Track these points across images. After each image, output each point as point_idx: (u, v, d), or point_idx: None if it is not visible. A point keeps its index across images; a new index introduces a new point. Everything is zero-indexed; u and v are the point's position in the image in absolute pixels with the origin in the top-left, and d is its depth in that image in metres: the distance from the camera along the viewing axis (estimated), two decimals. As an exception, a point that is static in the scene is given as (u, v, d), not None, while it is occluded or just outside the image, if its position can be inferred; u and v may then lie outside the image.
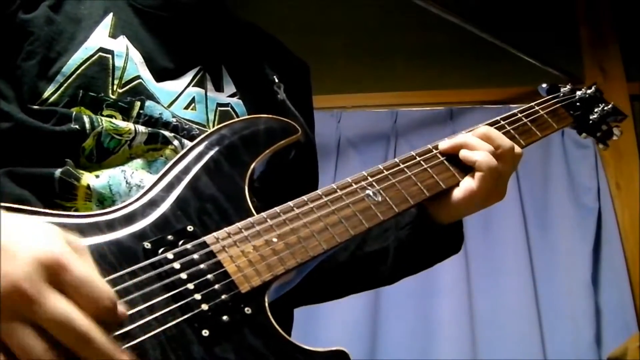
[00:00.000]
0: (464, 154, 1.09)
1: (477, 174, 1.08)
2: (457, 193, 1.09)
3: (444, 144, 1.12)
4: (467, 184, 1.08)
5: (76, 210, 0.92)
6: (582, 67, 3.26)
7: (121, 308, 0.68)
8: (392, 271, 1.19)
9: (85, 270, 0.64)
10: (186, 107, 1.08)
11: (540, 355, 2.78)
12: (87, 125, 0.97)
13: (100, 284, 0.65)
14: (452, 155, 1.11)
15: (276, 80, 1.21)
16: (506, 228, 2.98)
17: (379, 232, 1.18)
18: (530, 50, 3.12)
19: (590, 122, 1.39)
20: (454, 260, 3.14)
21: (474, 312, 2.91)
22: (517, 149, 1.13)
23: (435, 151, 1.11)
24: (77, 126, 0.96)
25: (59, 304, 0.62)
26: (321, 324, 2.84)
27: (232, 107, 1.12)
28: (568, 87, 1.38)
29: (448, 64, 3.33)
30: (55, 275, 0.62)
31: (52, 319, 0.61)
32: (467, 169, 1.10)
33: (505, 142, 1.11)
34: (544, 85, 1.36)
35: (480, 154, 1.08)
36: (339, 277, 1.24)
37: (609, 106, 1.41)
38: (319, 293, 1.29)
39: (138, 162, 0.99)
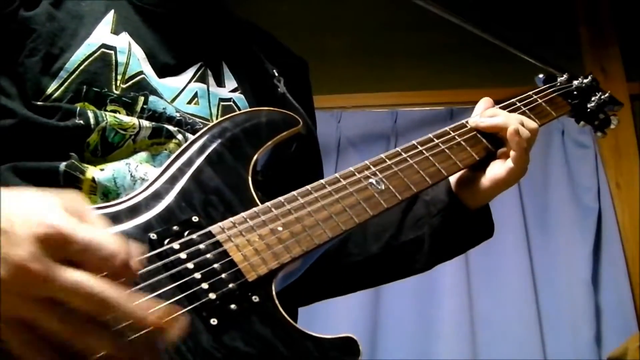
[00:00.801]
0: (501, 152, 1.14)
1: (507, 166, 1.12)
2: (485, 181, 1.13)
3: (484, 122, 1.16)
4: (494, 173, 1.13)
5: None
6: (582, 67, 3.26)
7: (135, 260, 0.66)
8: (428, 258, 1.21)
9: (89, 232, 0.64)
10: (189, 102, 1.08)
11: (540, 355, 2.78)
12: (92, 121, 0.97)
13: (107, 242, 0.64)
14: (452, 144, 1.12)
15: (276, 74, 1.22)
16: (506, 228, 2.97)
17: (412, 221, 1.20)
18: (530, 50, 3.11)
19: (588, 110, 1.40)
20: (454, 260, 3.12)
21: (474, 312, 2.91)
22: (532, 124, 1.17)
23: (436, 140, 1.12)
24: (81, 121, 0.96)
25: (69, 276, 0.61)
26: (321, 324, 2.83)
27: (234, 102, 1.13)
28: (565, 76, 1.39)
29: (448, 64, 3.32)
30: (59, 248, 0.62)
31: (66, 290, 0.61)
32: (468, 154, 1.12)
33: (533, 124, 1.16)
34: (541, 75, 1.38)
35: (515, 152, 1.11)
36: (373, 268, 1.25)
37: (606, 95, 1.43)
38: (351, 284, 1.31)
39: (142, 155, 0.99)
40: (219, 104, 1.11)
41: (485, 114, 1.17)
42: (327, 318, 2.85)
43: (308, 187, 0.95)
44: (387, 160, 1.05)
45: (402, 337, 2.89)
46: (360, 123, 3.30)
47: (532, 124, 1.17)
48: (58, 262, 0.62)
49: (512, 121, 1.14)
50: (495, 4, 3.38)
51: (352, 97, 3.37)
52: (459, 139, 1.14)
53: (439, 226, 1.17)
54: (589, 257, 2.94)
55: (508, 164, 1.12)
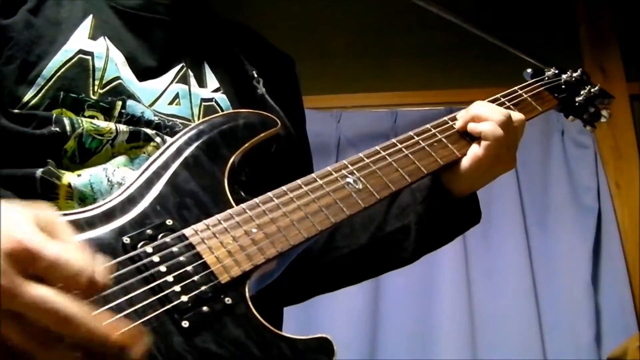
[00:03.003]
0: (471, 126, 1.12)
1: (483, 143, 1.11)
2: (465, 161, 1.11)
3: (460, 122, 1.15)
4: (474, 152, 1.11)
5: (58, 209, 0.92)
6: (582, 67, 3.24)
7: (102, 277, 0.67)
8: (415, 247, 1.19)
9: (56, 249, 0.64)
10: (170, 103, 1.08)
11: (540, 355, 2.77)
12: (68, 128, 0.97)
13: (74, 260, 0.65)
14: (433, 141, 1.11)
15: (255, 75, 1.22)
16: (506, 228, 2.97)
17: (398, 210, 1.19)
18: (530, 50, 3.10)
19: (577, 104, 1.39)
20: (454, 260, 3.11)
21: (474, 312, 2.90)
22: (518, 115, 1.16)
23: (416, 137, 1.11)
24: (57, 129, 0.97)
25: (33, 292, 0.62)
26: (320, 324, 2.84)
27: (216, 102, 1.13)
28: (553, 70, 1.38)
29: (448, 64, 3.32)
30: (26, 263, 0.63)
31: (29, 305, 0.62)
32: (450, 151, 1.11)
33: (507, 112, 1.14)
34: (529, 70, 1.36)
35: (485, 124, 1.11)
36: (362, 259, 1.24)
37: (596, 88, 1.41)
38: (341, 278, 1.30)
39: (120, 159, 1.00)
40: (200, 104, 1.11)
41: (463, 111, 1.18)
42: (327, 318, 2.86)
43: (284, 187, 0.95)
44: (365, 159, 1.04)
45: (402, 337, 2.89)
46: (360, 123, 3.29)
47: (517, 114, 1.16)
48: (24, 277, 0.62)
49: (484, 108, 1.13)
50: (495, 4, 3.37)
51: (352, 97, 3.36)
52: (440, 136, 1.13)
53: (424, 213, 1.16)
54: (589, 257, 2.94)
55: (475, 150, 1.11)
